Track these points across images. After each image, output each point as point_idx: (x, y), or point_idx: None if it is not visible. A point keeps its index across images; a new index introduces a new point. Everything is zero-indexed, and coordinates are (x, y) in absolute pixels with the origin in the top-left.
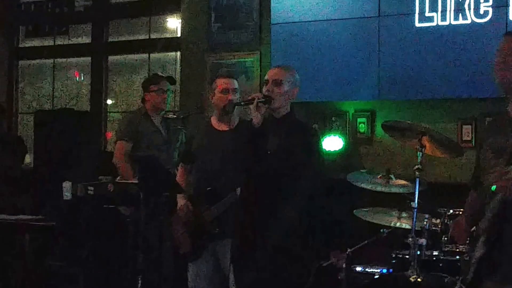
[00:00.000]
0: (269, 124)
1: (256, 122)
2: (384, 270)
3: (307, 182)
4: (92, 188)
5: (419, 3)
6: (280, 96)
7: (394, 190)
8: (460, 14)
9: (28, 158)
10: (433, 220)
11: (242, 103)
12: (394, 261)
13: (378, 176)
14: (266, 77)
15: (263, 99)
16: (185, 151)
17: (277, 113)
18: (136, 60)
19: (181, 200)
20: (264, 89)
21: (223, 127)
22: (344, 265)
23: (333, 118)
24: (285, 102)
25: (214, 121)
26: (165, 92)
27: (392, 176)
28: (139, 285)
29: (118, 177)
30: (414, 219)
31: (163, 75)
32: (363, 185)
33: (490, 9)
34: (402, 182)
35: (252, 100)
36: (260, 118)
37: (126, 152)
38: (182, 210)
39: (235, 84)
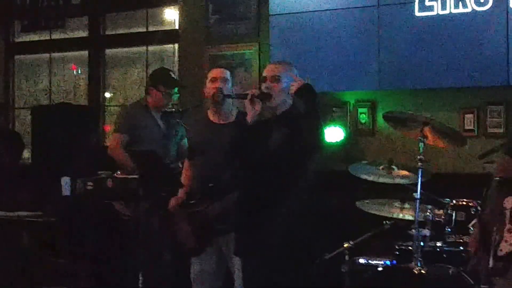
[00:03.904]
0: (271, 121)
1: (249, 119)
2: (388, 262)
3: (309, 178)
4: (91, 184)
5: None
6: (279, 93)
7: (396, 181)
8: (460, 3)
9: (27, 154)
10: (436, 211)
11: (233, 95)
12: (397, 252)
13: (380, 167)
14: (264, 74)
15: (257, 94)
16: (189, 147)
17: (277, 110)
18: (134, 53)
19: (180, 193)
20: (262, 86)
21: (221, 120)
22: (347, 258)
23: (333, 109)
24: (284, 98)
25: (210, 114)
26: (171, 96)
27: (394, 167)
28: (140, 281)
29: (117, 172)
30: (417, 210)
31: (175, 76)
32: (365, 177)
33: None
34: (405, 173)
35: (246, 94)
36: (254, 115)
37: (122, 144)
38: (174, 201)
39: (226, 74)
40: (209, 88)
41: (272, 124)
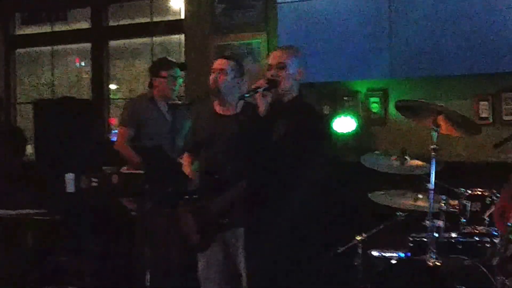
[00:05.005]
0: (276, 109)
1: (262, 111)
2: (402, 255)
3: (316, 167)
4: (96, 180)
5: None
6: (285, 80)
7: (409, 171)
8: None
9: (30, 150)
10: (451, 201)
11: (246, 95)
12: (411, 245)
13: (393, 158)
14: (268, 62)
15: (267, 86)
16: (190, 140)
17: (284, 97)
18: (139, 44)
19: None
20: (268, 75)
21: (227, 112)
22: (360, 250)
23: (344, 99)
24: (291, 85)
25: (217, 106)
26: (176, 79)
27: (407, 157)
28: (148, 279)
29: (123, 167)
30: (431, 201)
31: (174, 60)
32: (377, 168)
33: None
34: (418, 163)
35: (256, 89)
36: (266, 107)
37: (128, 138)
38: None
39: (226, 65)
40: (209, 80)
41: (279, 114)
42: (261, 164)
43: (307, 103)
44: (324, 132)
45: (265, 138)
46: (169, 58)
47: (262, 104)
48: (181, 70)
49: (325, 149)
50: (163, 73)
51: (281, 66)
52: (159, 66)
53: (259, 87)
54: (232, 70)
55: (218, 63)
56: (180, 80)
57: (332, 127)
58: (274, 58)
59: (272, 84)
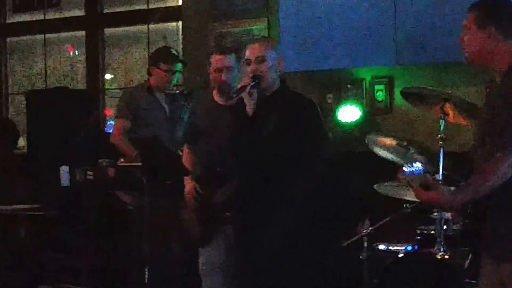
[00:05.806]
0: (263, 105)
1: (250, 109)
2: (409, 248)
3: (315, 158)
4: (91, 173)
5: None
6: (267, 73)
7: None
8: None
9: (22, 142)
10: None
11: (234, 95)
12: (419, 237)
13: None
14: (247, 56)
15: (253, 83)
16: (189, 130)
17: (267, 91)
18: (135, 32)
19: (188, 184)
20: (249, 69)
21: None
22: (366, 244)
23: (348, 87)
24: (273, 77)
25: (216, 95)
26: (174, 73)
27: (411, 148)
28: (146, 276)
29: (120, 160)
30: None
31: (176, 53)
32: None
33: None
34: (420, 157)
35: (243, 88)
36: (253, 105)
37: (125, 130)
38: (190, 195)
39: (230, 61)
40: (214, 77)
41: (267, 109)
42: (257, 162)
43: (292, 92)
44: (319, 119)
45: (255, 136)
46: (172, 50)
47: (250, 103)
48: (181, 66)
49: (323, 137)
50: (163, 67)
51: (261, 60)
52: (160, 58)
53: (245, 86)
54: (235, 63)
55: (222, 61)
56: (178, 75)
57: (335, 116)
58: (252, 52)
59: (258, 79)
